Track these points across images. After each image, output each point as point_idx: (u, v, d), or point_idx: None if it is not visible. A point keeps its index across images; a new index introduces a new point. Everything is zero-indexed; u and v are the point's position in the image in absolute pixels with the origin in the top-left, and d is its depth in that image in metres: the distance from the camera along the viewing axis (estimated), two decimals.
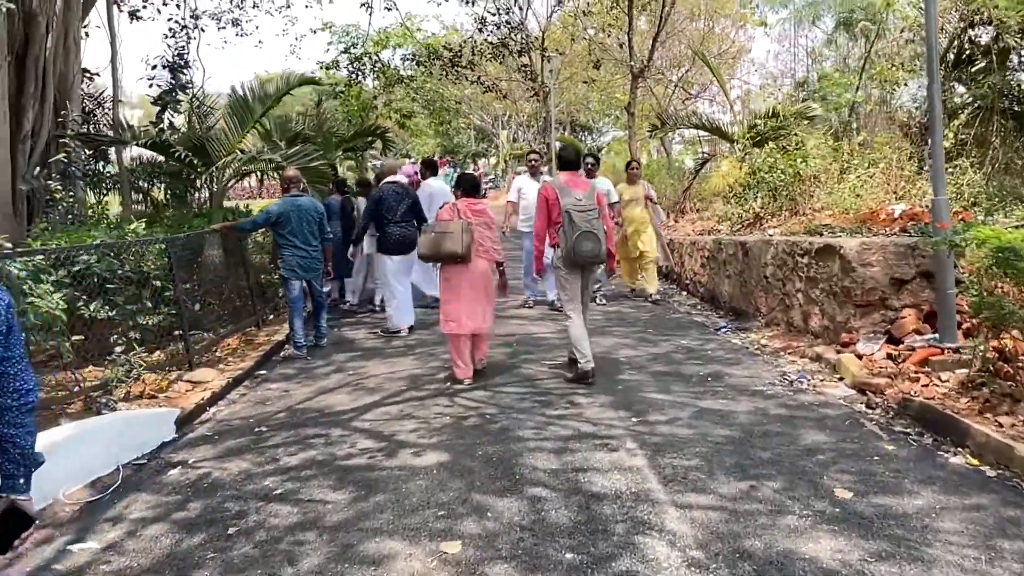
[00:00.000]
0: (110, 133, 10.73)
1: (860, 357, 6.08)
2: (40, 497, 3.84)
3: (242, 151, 8.85)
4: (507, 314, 9.05)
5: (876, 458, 4.30)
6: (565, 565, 3.16)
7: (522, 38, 20.39)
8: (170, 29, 14.63)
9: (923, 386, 5.29)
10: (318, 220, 7.53)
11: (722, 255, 9.11)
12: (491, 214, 6.47)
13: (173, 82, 13.57)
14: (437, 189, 9.32)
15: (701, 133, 26.46)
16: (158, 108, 13.71)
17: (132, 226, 6.84)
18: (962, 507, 3.63)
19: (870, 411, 5.18)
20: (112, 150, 12.01)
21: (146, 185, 12.99)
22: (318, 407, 5.72)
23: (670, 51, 20.85)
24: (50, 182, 10.85)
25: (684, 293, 10.39)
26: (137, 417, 5.09)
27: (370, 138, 20.72)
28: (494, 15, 19.03)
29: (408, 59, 23.22)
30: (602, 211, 6.09)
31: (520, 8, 19.97)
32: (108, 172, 12.44)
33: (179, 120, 14.91)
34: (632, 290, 10.22)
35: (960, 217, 6.94)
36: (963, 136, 10.16)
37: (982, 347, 5.12)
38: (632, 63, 15.57)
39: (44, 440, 4.47)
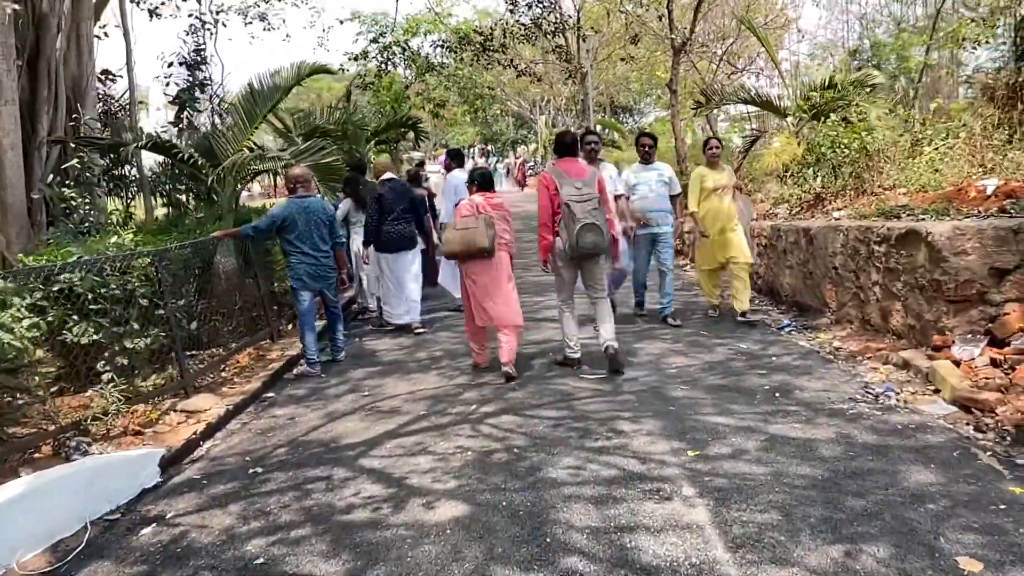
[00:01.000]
0: (127, 135, 10.20)
1: (958, 364, 5.12)
2: None
3: (251, 149, 8.17)
4: (541, 316, 8.24)
5: (1002, 507, 3.39)
6: None
7: (556, 17, 19.45)
8: (191, 26, 14.08)
9: None
10: (328, 223, 6.80)
11: (782, 243, 8.14)
12: (507, 207, 6.40)
13: (191, 79, 13.07)
14: (462, 181, 8.53)
15: (749, 108, 25.16)
16: (176, 108, 13.32)
17: (113, 239, 6.19)
18: None
19: (981, 436, 4.24)
20: (133, 154, 11.53)
21: (169, 188, 12.54)
22: (325, 438, 5.00)
23: (712, 23, 19.64)
24: (64, 189, 10.41)
25: None
26: (113, 462, 4.43)
27: (402, 129, 20.12)
28: None
29: (438, 45, 22.43)
30: (603, 198, 5.92)
31: None
32: (134, 176, 12.01)
33: (202, 119, 14.47)
34: (714, 308, 7.86)
35: None
36: None
37: None
38: (673, 36, 14.50)
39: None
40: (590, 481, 3.93)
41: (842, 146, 9.14)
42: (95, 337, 5.36)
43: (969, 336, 5.32)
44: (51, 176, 10.90)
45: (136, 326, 5.53)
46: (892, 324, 6.09)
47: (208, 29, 14.44)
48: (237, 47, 34.98)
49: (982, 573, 2.87)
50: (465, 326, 6.52)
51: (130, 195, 12.97)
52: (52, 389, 4.98)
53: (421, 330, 7.99)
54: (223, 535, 3.71)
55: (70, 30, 11.21)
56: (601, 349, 6.00)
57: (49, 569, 3.57)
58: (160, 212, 12.53)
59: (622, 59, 19.40)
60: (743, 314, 7.36)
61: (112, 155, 10.73)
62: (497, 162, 42.55)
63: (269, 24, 19.07)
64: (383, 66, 23.02)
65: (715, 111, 20.28)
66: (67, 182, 11.16)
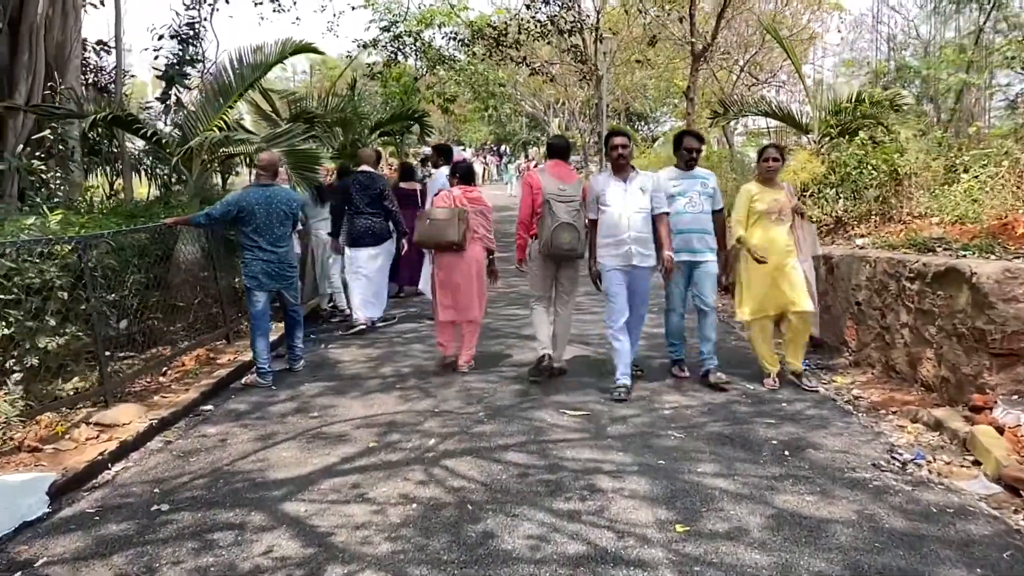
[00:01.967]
0: (89, 107, 9.47)
1: (1001, 431, 4.34)
2: None
3: (223, 129, 7.44)
4: (526, 332, 7.48)
5: None
6: None
7: (573, 16, 18.69)
8: None
9: None
10: (292, 216, 6.07)
11: None
12: (486, 202, 6.42)
13: (180, 54, 12.35)
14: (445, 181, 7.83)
15: (768, 123, 24.35)
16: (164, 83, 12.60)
17: (30, 220, 5.46)
18: None
19: None
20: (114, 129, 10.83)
21: (152, 167, 11.89)
22: (253, 470, 4.26)
23: (735, 32, 18.86)
24: (33, 161, 9.72)
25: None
26: None
27: (408, 122, 19.45)
28: None
29: (450, 38, 21.68)
30: (585, 204, 5.78)
31: None
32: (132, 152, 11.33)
33: (192, 96, 13.76)
34: (770, 376, 5.72)
35: None
36: None
37: None
38: (693, 40, 13.73)
39: None
40: (552, 560, 3.17)
41: (870, 167, 8.36)
42: (5, 331, 4.64)
43: (1016, 398, 4.55)
44: (20, 147, 10.23)
45: (52, 322, 4.80)
46: (922, 374, 5.31)
47: (206, 2, 13.70)
48: (242, 27, 34.26)
49: None
50: (434, 317, 6.51)
51: (113, 173, 12.35)
52: None
53: (380, 325, 7.98)
54: None
55: None
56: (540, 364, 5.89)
57: None
58: (153, 192, 11.87)
59: (638, 61, 18.59)
60: (797, 375, 5.74)
61: (98, 130, 10.02)
62: (508, 163, 41.49)
63: (280, 5, 18.34)
64: (393, 56, 22.33)
65: (732, 123, 19.55)
66: (37, 153, 10.48)
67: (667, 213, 5.51)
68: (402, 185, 9.61)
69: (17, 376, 4.64)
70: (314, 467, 4.26)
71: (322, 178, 8.31)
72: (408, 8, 21.55)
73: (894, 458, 4.29)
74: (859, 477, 4.02)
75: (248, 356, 6.55)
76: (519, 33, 19.20)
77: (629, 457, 4.30)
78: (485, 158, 41.33)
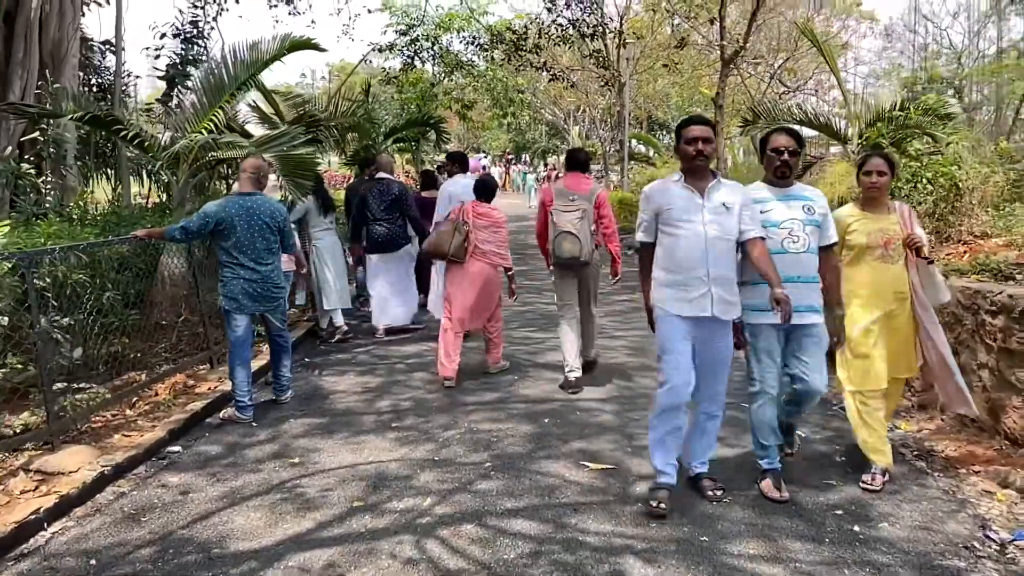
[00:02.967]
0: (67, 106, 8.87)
1: None
2: None
3: (210, 131, 6.79)
4: (542, 360, 6.75)
5: None
6: None
7: (596, 19, 18.00)
8: None
9: None
10: (278, 229, 5.39)
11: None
12: (498, 217, 6.25)
13: (183, 53, 11.78)
14: (461, 189, 7.17)
15: (803, 132, 23.41)
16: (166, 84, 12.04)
17: None
18: None
19: None
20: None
21: (154, 171, 11.31)
22: (211, 537, 3.55)
23: (766, 36, 18.07)
24: (23, 165, 9.17)
25: None
26: None
27: (425, 129, 18.89)
28: None
29: (468, 42, 21.05)
30: (601, 211, 5.85)
31: None
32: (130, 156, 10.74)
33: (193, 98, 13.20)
34: (876, 474, 4.09)
35: None
36: None
37: None
38: (724, 43, 12.97)
39: None
40: None
41: (925, 181, 7.56)
42: None
43: None
44: (7, 148, 9.69)
45: None
46: (1007, 425, 4.52)
47: (213, 1, 13.13)
48: (256, 30, 33.92)
49: None
50: (440, 336, 6.26)
51: (116, 178, 11.81)
52: None
53: (390, 336, 7.77)
54: None
55: None
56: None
57: None
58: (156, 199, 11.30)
59: (664, 65, 17.84)
60: (884, 472, 4.10)
61: (100, 133, 9.41)
62: (526, 174, 40.33)
63: (295, 8, 17.79)
64: (410, 60, 21.76)
65: (759, 133, 18.76)
66: (27, 157, 9.93)
67: (763, 238, 3.76)
68: (423, 194, 9.02)
69: None
70: (284, 535, 3.55)
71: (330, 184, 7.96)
72: (425, 11, 20.95)
73: (988, 537, 3.50)
74: (951, 567, 3.23)
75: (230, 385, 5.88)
76: (539, 37, 18.54)
77: (663, 530, 3.55)
78: (508, 167, 40.51)
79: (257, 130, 10.46)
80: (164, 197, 11.20)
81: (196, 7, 12.40)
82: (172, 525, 3.69)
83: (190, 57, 11.66)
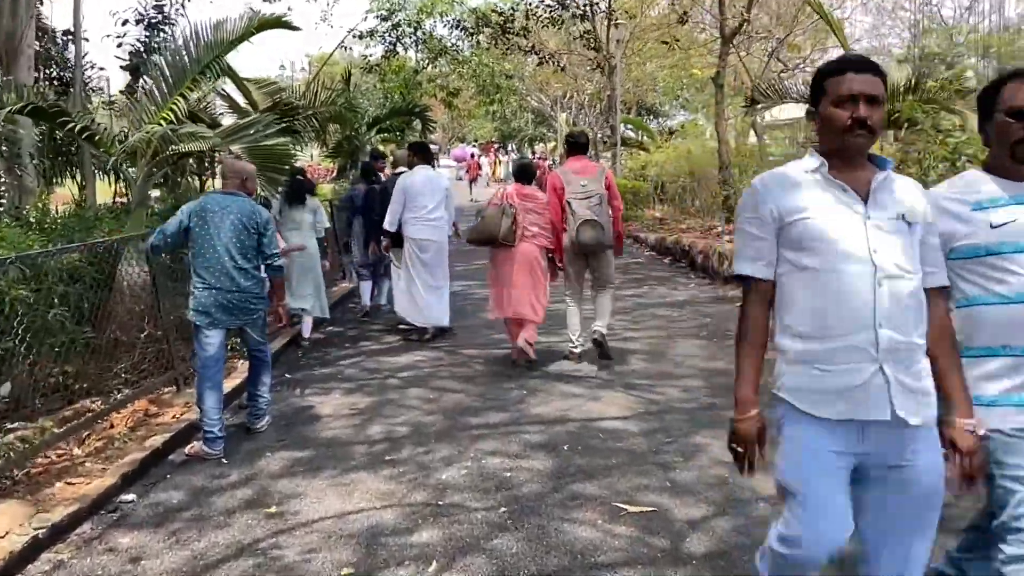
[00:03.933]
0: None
1: None
2: None
3: (169, 122, 6.01)
4: (551, 369, 6.04)
5: None
6: None
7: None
8: None
9: None
10: (257, 232, 4.65)
11: None
12: (541, 198, 6.20)
13: (147, 40, 10.94)
14: (421, 182, 7.07)
15: (798, 115, 22.78)
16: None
17: None
18: None
19: None
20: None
21: (114, 167, 10.48)
22: None
23: (765, 10, 17.34)
24: None
25: None
26: None
27: (409, 118, 18.19)
28: None
29: (453, 27, 20.24)
30: (611, 193, 5.98)
31: None
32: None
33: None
34: None
35: None
36: None
37: None
38: (727, 17, 12.24)
39: None
40: None
41: (964, 161, 6.89)
42: None
43: None
44: None
45: None
46: None
47: None
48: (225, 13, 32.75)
49: None
50: (504, 323, 6.43)
51: (80, 176, 11.01)
52: None
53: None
54: None
55: None
56: (590, 339, 6.13)
57: None
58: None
59: (664, 43, 17.07)
60: None
61: (46, 123, 8.59)
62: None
63: None
64: (392, 47, 20.94)
65: (758, 115, 18.03)
66: None
67: (947, 286, 2.15)
68: (360, 187, 8.73)
69: None
70: None
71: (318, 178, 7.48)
72: None
73: None
74: None
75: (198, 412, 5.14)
76: (527, 19, 17.77)
77: None
78: (496, 156, 39.58)
79: (229, 121, 9.67)
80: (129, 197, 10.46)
81: None
82: None
83: (154, 45, 10.81)
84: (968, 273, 2.20)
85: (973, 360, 2.17)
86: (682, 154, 17.46)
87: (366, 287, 8.65)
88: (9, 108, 5.83)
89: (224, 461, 4.44)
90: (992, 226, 2.14)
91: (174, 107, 6.14)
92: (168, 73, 6.30)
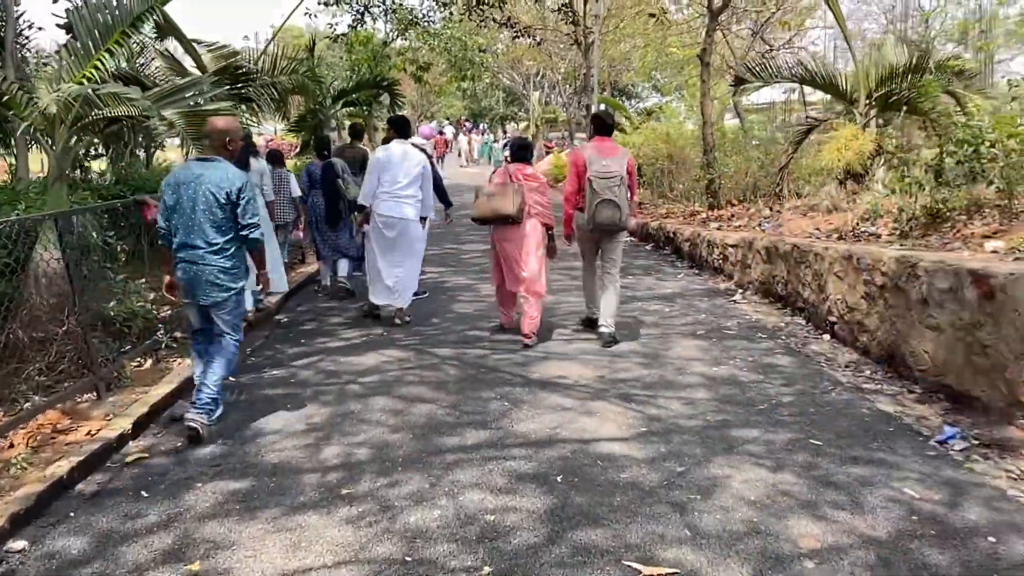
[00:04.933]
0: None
1: None
2: None
3: (93, 80, 5.12)
4: (536, 374, 5.31)
5: None
6: None
7: None
8: None
9: None
10: (231, 203, 4.25)
11: (917, 288, 5.23)
12: (542, 179, 6.43)
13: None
14: (392, 158, 6.75)
15: (777, 97, 22.20)
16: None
17: None
18: None
19: None
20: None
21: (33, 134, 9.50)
22: None
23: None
24: None
25: (828, 338, 6.42)
26: None
27: (377, 91, 17.31)
28: None
29: None
30: (631, 179, 6.03)
31: None
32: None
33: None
34: None
35: None
36: None
37: None
38: None
39: None
40: None
41: (988, 145, 6.27)
42: None
43: None
44: None
45: None
46: None
47: None
48: None
49: None
50: (496, 292, 6.64)
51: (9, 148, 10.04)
52: None
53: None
54: None
55: None
56: (597, 329, 6.22)
57: None
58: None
59: (652, 15, 16.28)
60: None
61: None
62: (491, 144, 37.31)
63: None
64: (359, 16, 19.88)
65: (741, 96, 17.42)
66: None
67: None
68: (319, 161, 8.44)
69: None
70: None
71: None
72: None
73: None
74: None
75: (126, 420, 4.35)
76: None
77: None
78: (468, 135, 38.33)
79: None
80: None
81: None
82: None
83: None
84: None
85: None
86: (660, 136, 16.80)
87: (325, 268, 8.48)
88: None
89: (144, 494, 3.64)
90: None
91: (99, 64, 5.24)
92: (91, 25, 5.39)
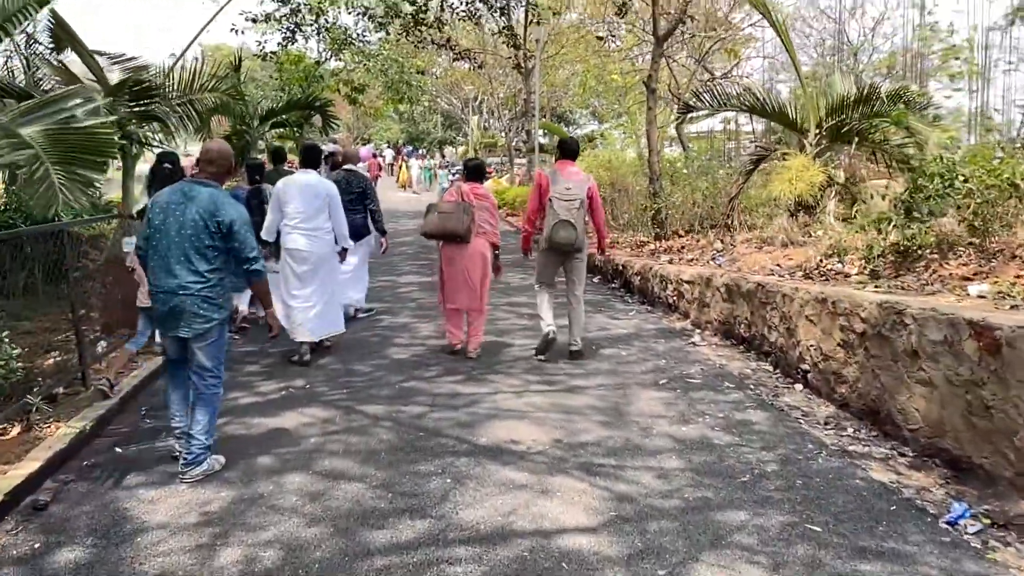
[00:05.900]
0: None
1: None
2: None
3: None
4: (483, 440, 4.58)
5: None
6: None
7: None
8: None
9: None
10: (217, 232, 3.93)
11: (904, 338, 4.72)
12: (493, 198, 6.64)
13: None
14: (292, 189, 6.33)
15: (716, 125, 22.12)
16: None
17: None
18: None
19: None
20: None
21: None
22: None
23: (697, 8, 16.46)
24: None
25: (800, 388, 5.88)
26: None
27: (308, 112, 16.53)
28: None
29: (360, 13, 18.45)
30: (593, 203, 6.29)
31: None
32: None
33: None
34: None
35: None
36: None
37: None
38: (664, 13, 11.14)
39: None
40: None
41: (961, 180, 5.88)
42: None
43: None
44: None
45: None
46: None
47: None
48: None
49: None
50: (442, 308, 6.68)
51: None
52: None
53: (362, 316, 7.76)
54: None
55: None
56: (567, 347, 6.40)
57: None
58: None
59: (599, 37, 15.91)
60: None
61: None
62: (431, 170, 35.51)
63: None
64: (291, 34, 19.02)
65: (686, 124, 17.19)
66: None
67: None
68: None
69: None
70: None
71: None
72: None
73: None
74: None
75: (58, 445, 3.43)
76: (441, 11, 16.30)
77: None
78: (405, 160, 37.40)
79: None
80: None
81: None
82: None
83: None
84: None
85: None
86: (602, 163, 16.40)
87: (243, 295, 7.48)
88: None
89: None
90: None
91: None
92: None
